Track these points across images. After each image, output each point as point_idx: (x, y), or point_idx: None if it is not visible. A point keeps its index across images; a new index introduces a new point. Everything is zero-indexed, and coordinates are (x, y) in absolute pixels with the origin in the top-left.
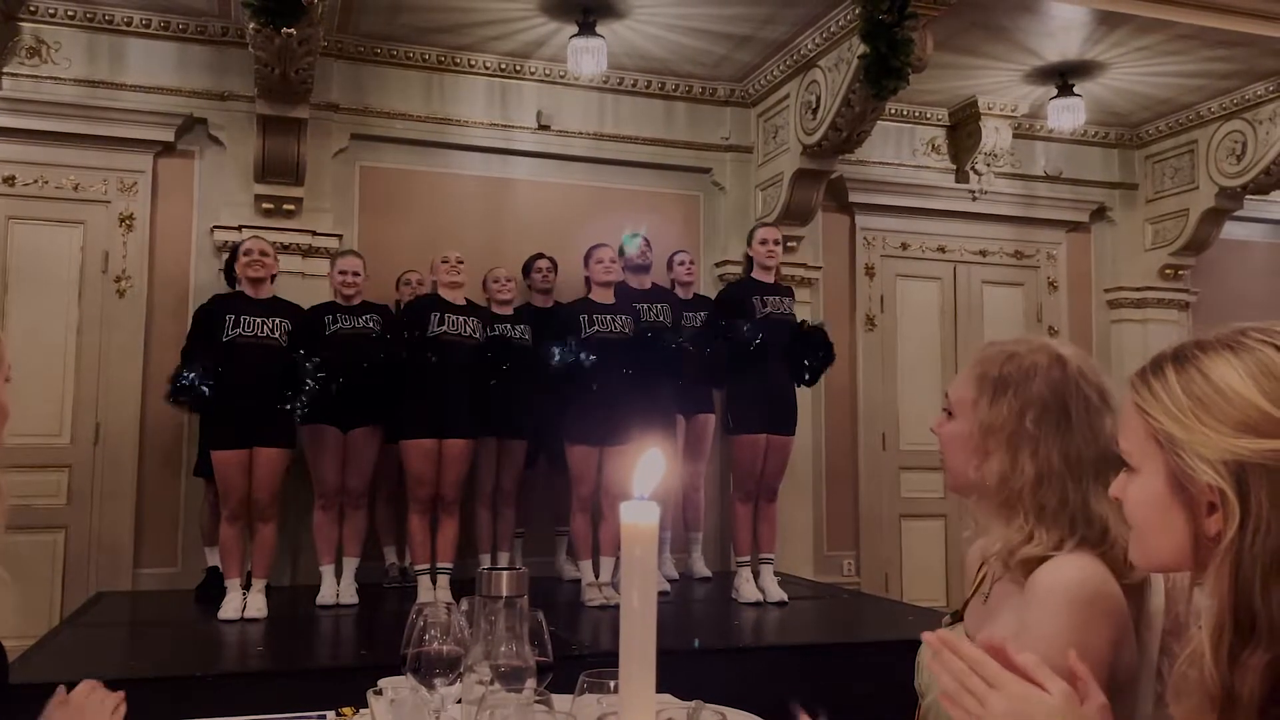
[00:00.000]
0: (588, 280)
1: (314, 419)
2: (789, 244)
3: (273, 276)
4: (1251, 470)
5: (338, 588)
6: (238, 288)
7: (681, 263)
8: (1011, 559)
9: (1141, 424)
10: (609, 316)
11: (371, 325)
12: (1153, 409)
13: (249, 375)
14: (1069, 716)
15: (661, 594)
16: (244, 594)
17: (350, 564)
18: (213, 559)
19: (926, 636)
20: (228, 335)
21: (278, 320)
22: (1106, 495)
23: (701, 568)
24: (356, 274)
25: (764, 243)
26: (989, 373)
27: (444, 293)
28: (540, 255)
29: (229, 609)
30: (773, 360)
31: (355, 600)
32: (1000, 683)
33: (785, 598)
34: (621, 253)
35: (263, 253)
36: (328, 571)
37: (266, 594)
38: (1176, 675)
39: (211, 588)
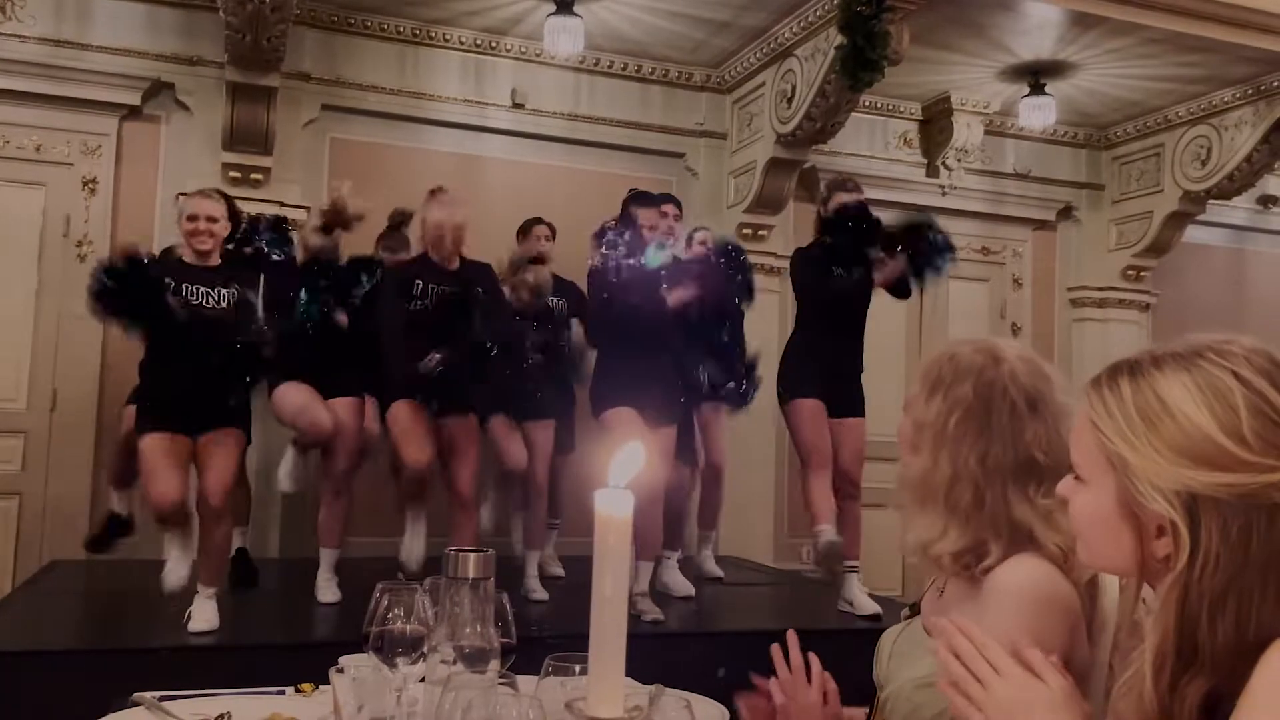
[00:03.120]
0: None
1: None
2: (759, 233)
3: (227, 241)
4: (1203, 503)
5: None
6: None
7: (703, 242)
8: (926, 553)
9: (1094, 439)
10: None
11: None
12: (1105, 426)
13: (190, 355)
14: (1066, 710)
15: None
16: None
17: (328, 556)
18: (119, 504)
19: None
20: (155, 309)
21: (224, 290)
22: (1028, 500)
23: (713, 567)
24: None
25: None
26: (930, 371)
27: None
28: (539, 220)
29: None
30: (839, 332)
31: (337, 598)
32: (1005, 671)
33: (879, 610)
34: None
35: (210, 218)
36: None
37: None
38: (1117, 692)
39: (109, 534)
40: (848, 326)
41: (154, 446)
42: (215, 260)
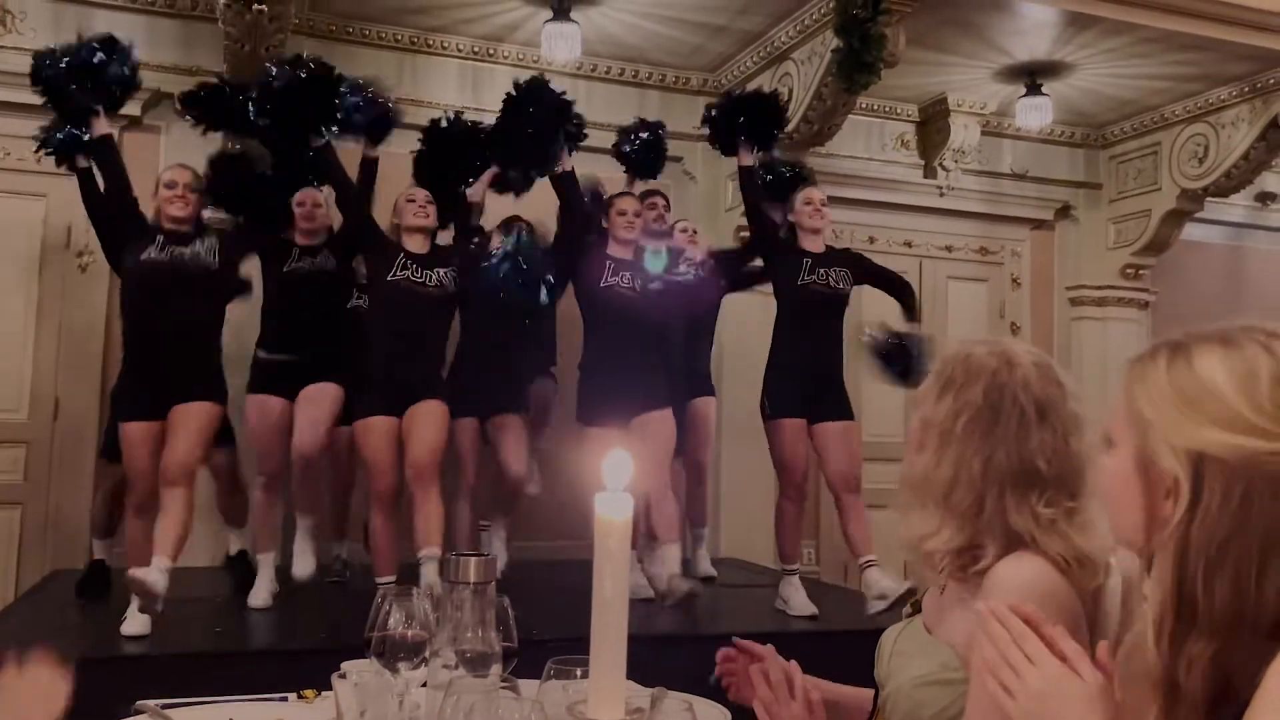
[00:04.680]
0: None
1: (258, 388)
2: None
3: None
4: (1209, 462)
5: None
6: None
7: (684, 230)
8: (920, 548)
9: (1125, 401)
10: (629, 274)
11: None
12: (1136, 389)
13: (162, 314)
14: (1100, 704)
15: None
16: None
17: (305, 523)
18: (100, 551)
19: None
20: (134, 260)
21: (201, 241)
22: (1028, 508)
23: (707, 566)
24: (317, 205)
25: (809, 203)
26: (943, 370)
27: (406, 239)
28: (516, 218)
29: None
30: (816, 336)
31: (312, 568)
32: (1040, 660)
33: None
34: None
35: (189, 186)
36: (266, 561)
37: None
38: (1123, 656)
39: (95, 582)
40: (825, 328)
41: (132, 436)
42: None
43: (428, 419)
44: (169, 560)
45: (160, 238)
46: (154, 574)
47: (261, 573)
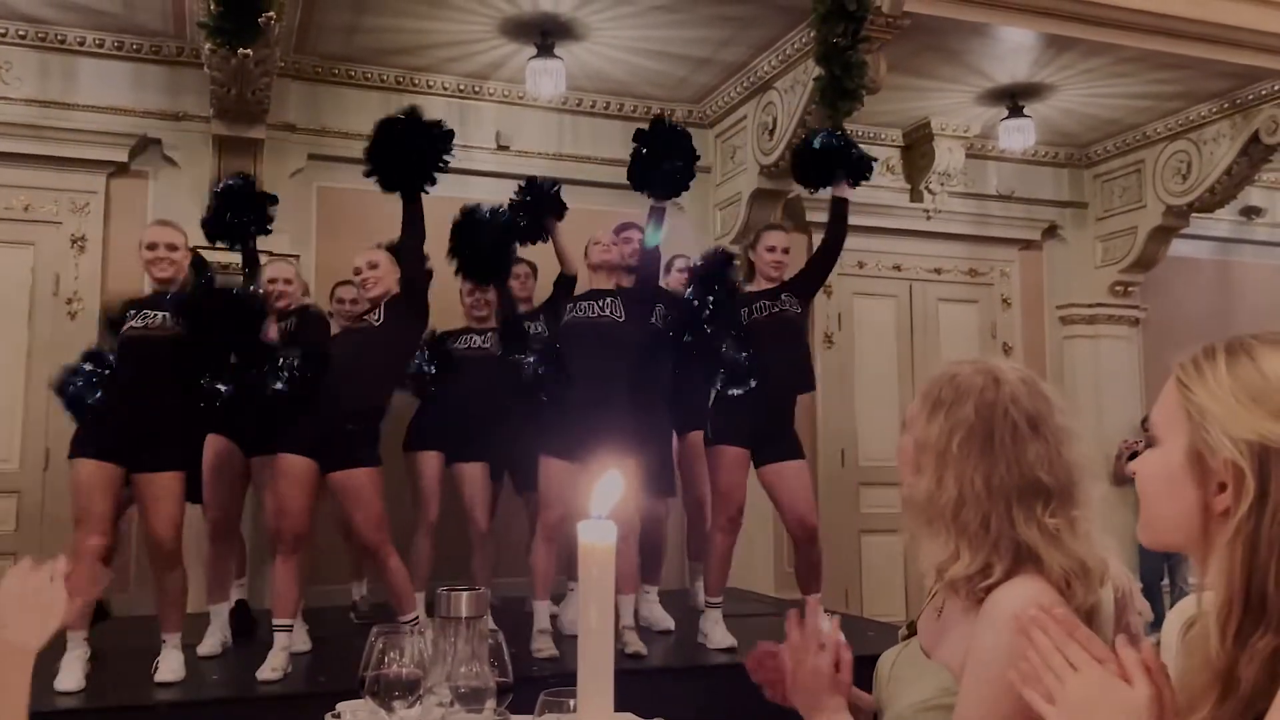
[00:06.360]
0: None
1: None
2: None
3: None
4: (1274, 455)
5: (227, 635)
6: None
7: (682, 270)
8: (941, 577)
9: (1177, 397)
10: (598, 302)
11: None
12: (1192, 382)
13: (131, 377)
14: (1146, 715)
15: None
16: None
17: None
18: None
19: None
20: (122, 331)
21: (167, 315)
22: (1035, 520)
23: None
24: (289, 281)
25: (771, 250)
26: (931, 391)
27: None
28: (518, 259)
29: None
30: (768, 367)
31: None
32: (1083, 668)
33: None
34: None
35: (171, 246)
36: (217, 613)
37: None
38: (1184, 650)
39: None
40: (778, 356)
41: (84, 475)
42: (175, 289)
43: (361, 491)
44: (179, 635)
45: (140, 312)
46: (172, 666)
47: (212, 623)
